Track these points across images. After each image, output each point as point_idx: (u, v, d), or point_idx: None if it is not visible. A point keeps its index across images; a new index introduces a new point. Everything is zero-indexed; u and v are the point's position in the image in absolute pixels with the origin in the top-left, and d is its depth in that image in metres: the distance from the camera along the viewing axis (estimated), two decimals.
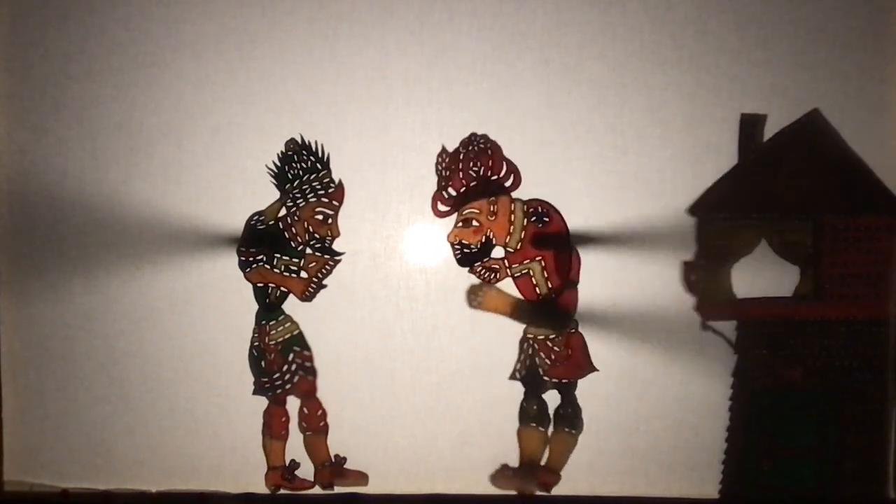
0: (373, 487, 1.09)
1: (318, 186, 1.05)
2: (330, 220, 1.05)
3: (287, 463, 1.09)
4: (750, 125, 1.05)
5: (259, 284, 1.07)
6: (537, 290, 1.04)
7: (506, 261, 1.04)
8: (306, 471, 1.09)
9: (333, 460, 1.09)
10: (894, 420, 1.07)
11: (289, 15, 1.06)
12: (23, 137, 1.09)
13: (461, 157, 1.03)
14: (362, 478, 1.08)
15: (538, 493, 1.07)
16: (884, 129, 1.05)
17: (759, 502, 1.09)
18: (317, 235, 1.05)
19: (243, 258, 1.06)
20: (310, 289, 1.06)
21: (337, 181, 1.05)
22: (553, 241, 1.03)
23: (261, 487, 1.09)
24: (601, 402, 1.07)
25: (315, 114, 1.06)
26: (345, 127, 1.06)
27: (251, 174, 1.06)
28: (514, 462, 1.07)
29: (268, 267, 1.06)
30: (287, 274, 1.06)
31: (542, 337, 1.05)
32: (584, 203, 1.05)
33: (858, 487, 1.07)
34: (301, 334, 1.07)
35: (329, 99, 1.06)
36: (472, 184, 1.02)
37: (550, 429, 1.07)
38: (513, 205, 1.03)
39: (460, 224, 1.03)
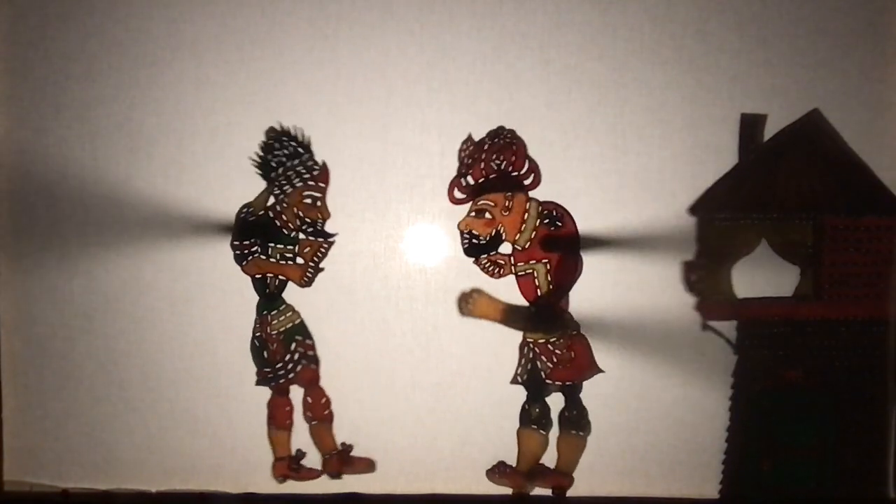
0: (373, 487, 1.09)
1: (303, 170, 1.05)
2: (319, 203, 1.05)
3: (293, 453, 1.09)
4: (750, 125, 1.05)
5: (257, 276, 1.07)
6: (538, 291, 1.04)
7: (512, 258, 1.04)
8: (311, 462, 1.09)
9: (340, 448, 1.08)
10: (894, 420, 1.07)
11: (289, 15, 1.06)
12: (23, 137, 1.09)
13: (485, 147, 1.03)
14: (370, 465, 1.08)
15: (552, 495, 1.07)
16: (884, 129, 1.05)
17: (759, 502, 1.09)
18: (308, 220, 1.05)
19: (238, 251, 1.06)
20: (308, 274, 1.06)
21: (321, 163, 1.05)
22: (562, 245, 1.03)
23: (261, 487, 1.09)
24: (601, 402, 1.07)
25: (315, 114, 1.06)
26: (345, 127, 1.06)
27: (251, 174, 1.06)
28: (512, 461, 1.07)
29: (263, 257, 1.06)
30: (283, 262, 1.06)
31: (542, 340, 1.05)
32: (584, 203, 1.05)
33: (858, 487, 1.07)
34: (303, 323, 1.07)
35: (329, 99, 1.06)
36: (492, 176, 1.02)
37: (555, 432, 1.07)
38: (528, 203, 1.03)
39: (473, 213, 1.03)
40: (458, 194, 1.03)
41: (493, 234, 1.03)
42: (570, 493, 1.07)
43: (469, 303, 1.05)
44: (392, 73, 1.06)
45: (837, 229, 1.05)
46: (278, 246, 1.06)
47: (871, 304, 1.05)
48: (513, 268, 1.04)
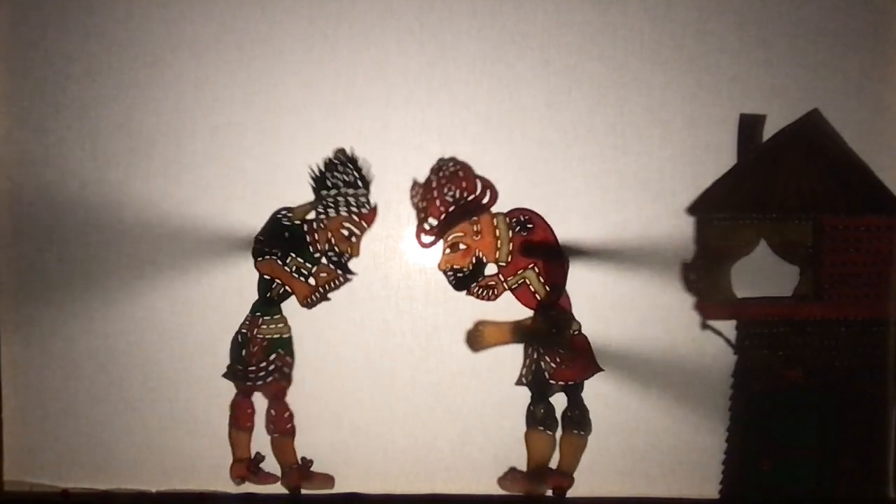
0: (373, 487, 1.09)
1: (353, 202, 1.04)
2: (354, 239, 1.05)
3: (252, 455, 1.08)
4: (749, 125, 1.05)
5: (265, 276, 1.06)
6: (537, 296, 1.04)
7: (500, 275, 1.04)
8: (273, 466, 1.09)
9: (300, 462, 1.08)
10: (894, 420, 1.07)
11: (289, 15, 1.06)
12: (23, 137, 1.09)
13: (434, 184, 1.03)
14: (328, 481, 1.08)
15: (552, 495, 1.07)
16: (884, 129, 1.05)
17: (759, 502, 1.09)
18: (336, 248, 1.05)
19: (258, 245, 1.06)
20: (313, 296, 1.05)
21: (373, 204, 1.05)
22: (541, 245, 1.03)
23: (261, 487, 1.09)
24: (601, 402, 1.07)
25: (315, 114, 1.06)
26: (345, 127, 1.06)
27: (251, 174, 1.06)
28: (521, 465, 1.07)
29: (279, 262, 1.06)
30: (296, 276, 1.06)
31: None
32: (584, 203, 1.05)
33: (858, 487, 1.07)
34: (290, 340, 1.07)
35: (329, 99, 1.06)
36: (451, 209, 1.02)
37: (559, 432, 1.07)
38: (494, 220, 1.03)
39: (448, 250, 1.03)
40: (425, 239, 1.03)
41: (473, 262, 1.03)
42: (570, 493, 1.07)
43: (478, 337, 1.05)
44: (392, 73, 1.06)
45: (837, 229, 1.05)
46: (298, 259, 1.05)
47: (871, 304, 1.05)
48: (505, 284, 1.04)
